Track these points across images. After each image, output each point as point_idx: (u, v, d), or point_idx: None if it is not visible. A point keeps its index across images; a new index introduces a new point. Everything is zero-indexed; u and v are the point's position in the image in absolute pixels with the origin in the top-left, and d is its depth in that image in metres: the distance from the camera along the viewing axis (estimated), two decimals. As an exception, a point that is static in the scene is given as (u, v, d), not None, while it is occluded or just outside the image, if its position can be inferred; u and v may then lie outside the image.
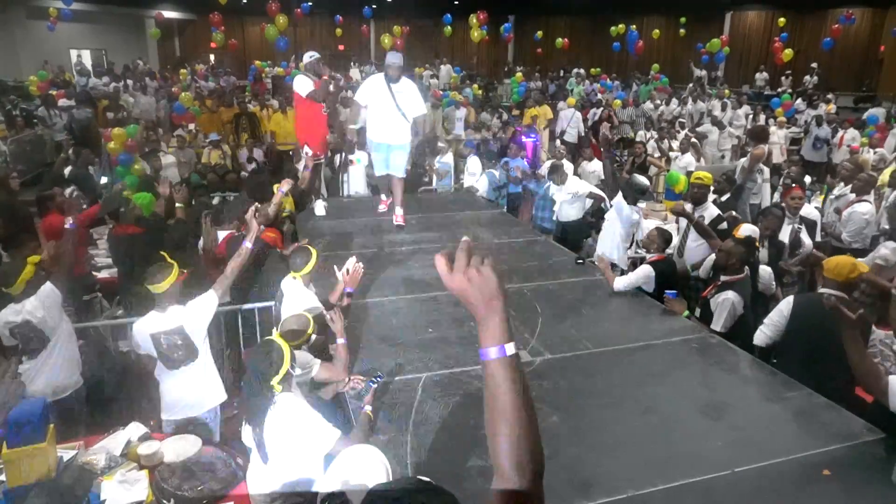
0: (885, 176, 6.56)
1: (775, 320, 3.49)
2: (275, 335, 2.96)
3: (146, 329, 3.25)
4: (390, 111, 5.36)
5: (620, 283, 4.29)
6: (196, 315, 3.22)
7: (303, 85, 5.71)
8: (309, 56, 6.00)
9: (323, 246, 4.83)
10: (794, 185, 5.82)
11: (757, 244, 4.33)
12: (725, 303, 3.73)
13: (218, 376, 3.41)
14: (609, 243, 5.04)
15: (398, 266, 4.75)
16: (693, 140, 9.27)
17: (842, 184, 6.42)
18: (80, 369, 3.57)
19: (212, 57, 17.85)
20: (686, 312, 3.95)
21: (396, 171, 5.57)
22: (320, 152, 6.11)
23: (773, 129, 10.51)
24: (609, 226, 5.12)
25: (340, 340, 3.08)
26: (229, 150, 9.26)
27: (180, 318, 3.20)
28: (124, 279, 4.80)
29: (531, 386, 2.91)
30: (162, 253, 3.45)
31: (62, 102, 11.30)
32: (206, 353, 3.31)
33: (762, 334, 3.53)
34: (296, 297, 3.37)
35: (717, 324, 3.75)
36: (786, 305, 3.46)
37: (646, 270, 4.27)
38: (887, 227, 5.70)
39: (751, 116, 12.36)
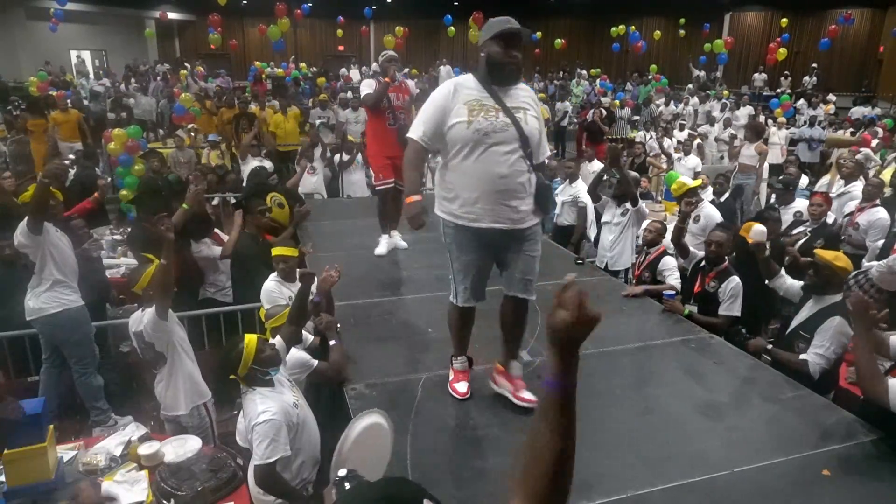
0: (885, 176, 6.58)
1: (835, 347, 3.14)
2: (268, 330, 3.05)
3: (131, 326, 3.35)
4: (505, 155, 2.52)
5: (678, 283, 4.33)
6: (147, 327, 3.20)
7: (363, 89, 4.71)
8: (382, 55, 4.86)
9: (312, 246, 4.84)
10: (815, 192, 5.85)
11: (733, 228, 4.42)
12: (736, 287, 3.85)
13: (195, 379, 3.36)
14: (627, 251, 5.19)
15: (398, 266, 4.75)
16: (698, 141, 9.29)
17: (841, 182, 6.42)
18: None
19: (199, 67, 17.71)
20: (686, 311, 3.96)
21: (523, 289, 2.73)
22: (384, 175, 4.70)
23: (772, 129, 10.51)
24: (614, 230, 5.17)
25: (333, 341, 3.13)
26: (228, 151, 9.24)
27: (142, 323, 3.23)
28: None
29: (531, 386, 2.88)
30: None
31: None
32: (176, 358, 3.28)
33: (818, 366, 3.15)
34: (266, 293, 3.55)
35: (733, 309, 3.83)
36: (843, 326, 3.12)
37: (673, 261, 4.40)
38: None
39: (751, 117, 12.36)
